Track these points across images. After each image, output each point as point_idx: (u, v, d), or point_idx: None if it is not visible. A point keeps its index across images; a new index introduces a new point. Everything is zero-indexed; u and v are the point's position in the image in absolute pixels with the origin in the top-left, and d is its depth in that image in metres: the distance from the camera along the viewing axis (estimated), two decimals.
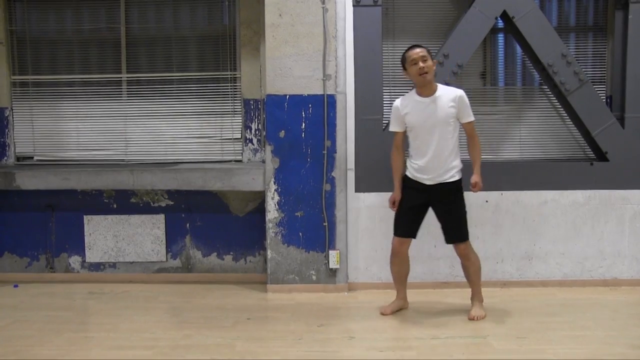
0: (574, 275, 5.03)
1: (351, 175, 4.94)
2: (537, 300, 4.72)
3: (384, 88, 5.03)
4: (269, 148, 4.90)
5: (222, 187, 5.06)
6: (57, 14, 5.49)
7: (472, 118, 4.19)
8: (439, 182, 4.16)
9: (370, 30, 4.87)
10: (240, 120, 5.43)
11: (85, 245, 5.35)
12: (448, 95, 4.14)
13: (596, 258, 5.02)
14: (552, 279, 5.02)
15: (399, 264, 4.37)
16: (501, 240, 5.01)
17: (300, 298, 4.77)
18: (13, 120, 5.53)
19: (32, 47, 5.49)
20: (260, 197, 5.20)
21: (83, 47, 5.49)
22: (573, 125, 5.17)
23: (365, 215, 4.97)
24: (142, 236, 5.33)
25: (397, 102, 4.27)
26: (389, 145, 4.90)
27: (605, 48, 5.27)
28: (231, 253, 5.36)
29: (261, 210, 5.19)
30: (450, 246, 5.08)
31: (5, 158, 5.54)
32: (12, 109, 5.53)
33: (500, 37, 5.34)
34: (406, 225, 4.28)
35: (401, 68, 4.25)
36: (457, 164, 4.19)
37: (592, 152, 5.15)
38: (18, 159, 5.56)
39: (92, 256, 5.36)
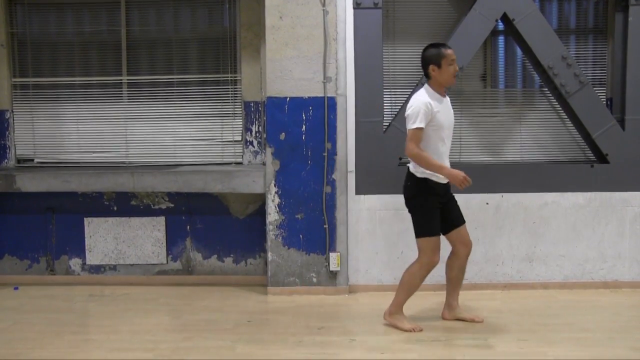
0: (575, 278, 5.03)
1: (351, 178, 4.94)
2: (538, 302, 4.72)
3: (385, 90, 5.02)
4: (269, 150, 4.90)
5: (222, 190, 5.06)
6: (58, 16, 5.49)
7: None
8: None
9: (370, 32, 4.87)
10: (241, 123, 5.43)
11: (86, 247, 5.35)
12: None
13: (597, 260, 5.02)
14: (552, 281, 5.02)
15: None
16: (502, 242, 5.01)
17: (300, 300, 4.77)
18: (14, 123, 5.53)
19: (33, 49, 5.49)
20: (261, 199, 5.19)
21: (84, 50, 5.49)
22: (573, 128, 5.17)
23: (366, 218, 4.97)
24: (142, 238, 5.33)
25: (427, 99, 3.92)
26: (390, 147, 4.92)
27: (605, 50, 5.28)
28: (231, 255, 5.35)
29: (261, 212, 5.18)
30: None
31: (6, 160, 5.54)
32: (13, 111, 5.53)
33: (501, 40, 5.34)
34: (440, 224, 4.10)
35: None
36: None
37: (592, 154, 5.15)
38: (19, 161, 5.56)
39: (92, 258, 5.35)
